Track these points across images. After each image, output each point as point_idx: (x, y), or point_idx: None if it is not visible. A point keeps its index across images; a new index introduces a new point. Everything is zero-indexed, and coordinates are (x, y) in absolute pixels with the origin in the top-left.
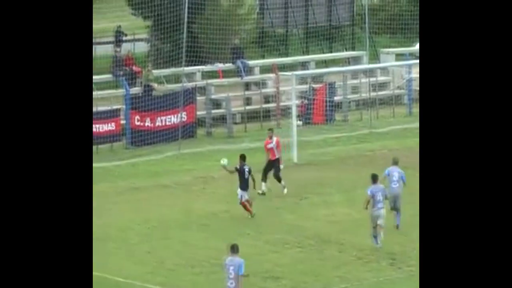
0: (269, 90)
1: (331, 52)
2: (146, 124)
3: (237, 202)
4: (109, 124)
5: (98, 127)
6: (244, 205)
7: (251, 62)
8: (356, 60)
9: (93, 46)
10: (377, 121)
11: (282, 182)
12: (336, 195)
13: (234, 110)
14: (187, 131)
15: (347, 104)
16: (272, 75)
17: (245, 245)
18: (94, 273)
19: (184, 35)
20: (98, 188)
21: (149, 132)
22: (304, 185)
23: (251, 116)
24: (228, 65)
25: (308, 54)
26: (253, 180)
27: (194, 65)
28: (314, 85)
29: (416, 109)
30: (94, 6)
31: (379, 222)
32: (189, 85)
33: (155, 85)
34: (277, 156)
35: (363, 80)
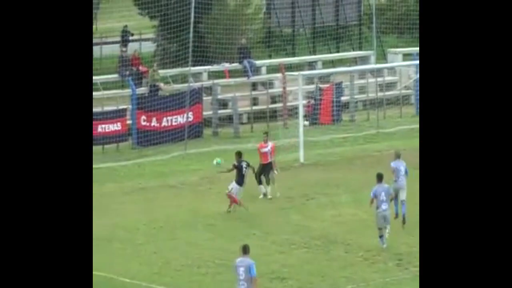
0: (276, 90)
1: (338, 52)
2: (153, 124)
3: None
4: (115, 124)
5: (104, 127)
6: (230, 197)
7: (258, 62)
8: (364, 60)
9: (100, 46)
10: (384, 121)
11: (275, 185)
12: (343, 195)
13: (241, 110)
14: (194, 131)
15: (354, 104)
16: (279, 75)
17: (252, 246)
18: (100, 273)
19: (191, 35)
20: (104, 188)
21: (156, 132)
22: (311, 185)
23: (258, 116)
24: (235, 65)
25: (315, 54)
26: (253, 169)
27: (201, 65)
28: (321, 85)
29: None
30: (101, 6)
31: (385, 224)
32: (196, 85)
33: (162, 85)
34: (269, 160)
35: (371, 80)
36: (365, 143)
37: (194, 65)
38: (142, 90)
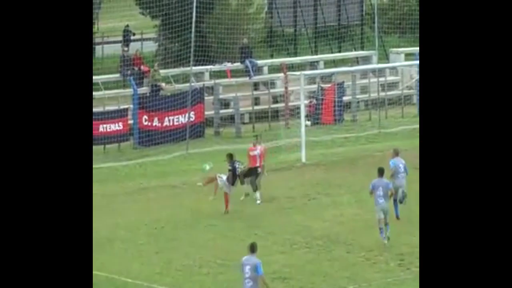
0: (278, 90)
1: (340, 51)
2: (154, 124)
3: (239, 199)
4: (117, 124)
5: (106, 127)
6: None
7: (259, 62)
8: (365, 59)
9: (101, 46)
10: (386, 121)
11: (257, 193)
12: (345, 195)
13: (243, 110)
14: (196, 131)
15: (356, 104)
16: (280, 75)
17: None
18: (101, 273)
19: (193, 35)
20: (106, 188)
21: (157, 132)
22: (313, 185)
23: (260, 116)
24: (237, 65)
25: (317, 54)
26: (241, 169)
27: (203, 64)
28: (323, 85)
29: None
30: (102, 5)
31: (382, 216)
32: (197, 84)
33: (163, 85)
34: (257, 164)
35: (372, 80)
36: (367, 143)
37: (195, 65)
38: (144, 89)
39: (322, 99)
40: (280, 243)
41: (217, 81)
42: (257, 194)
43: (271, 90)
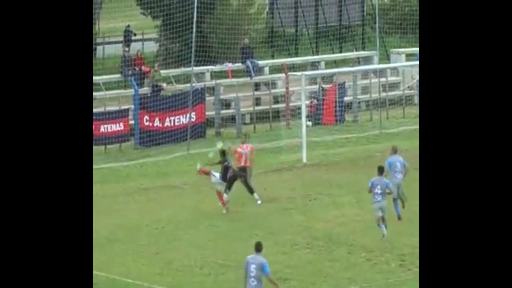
0: (279, 90)
1: (341, 52)
2: (155, 124)
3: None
4: (118, 124)
5: (107, 127)
6: (219, 195)
7: (260, 62)
8: (367, 60)
9: (102, 46)
10: (387, 122)
11: (255, 195)
12: (346, 196)
13: (244, 110)
14: (197, 131)
15: (357, 105)
16: (282, 75)
17: (254, 246)
18: (102, 273)
19: (194, 35)
20: (107, 189)
21: (158, 132)
22: (314, 186)
23: (261, 117)
24: (238, 65)
25: (318, 54)
26: (233, 170)
27: (203, 65)
28: (324, 86)
29: None
30: (103, 5)
31: (380, 214)
32: (198, 85)
33: (164, 85)
34: (248, 164)
35: (374, 80)
36: (368, 144)
37: (196, 65)
38: (145, 90)
39: (323, 100)
40: (281, 243)
41: (218, 81)
42: (255, 195)
43: (272, 91)
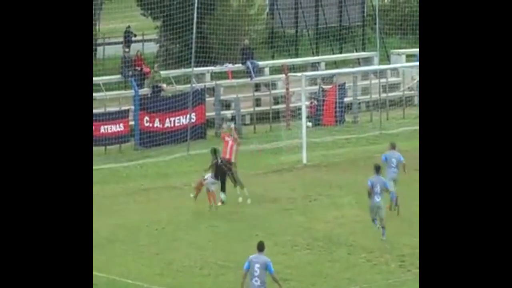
0: (279, 91)
1: (341, 53)
2: (155, 125)
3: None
4: (118, 125)
5: (107, 128)
6: (209, 194)
7: (261, 63)
8: (367, 61)
9: (103, 47)
10: (387, 123)
11: (244, 190)
12: (346, 197)
13: (244, 111)
14: (197, 132)
15: (357, 105)
16: (282, 76)
17: (254, 247)
18: (102, 274)
19: (194, 36)
20: (107, 189)
21: (158, 133)
22: (314, 186)
23: (261, 117)
24: (238, 66)
25: (318, 55)
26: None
27: (204, 65)
28: (324, 86)
29: None
30: (103, 6)
31: (379, 213)
32: (199, 85)
33: (164, 86)
34: (232, 158)
35: (374, 81)
36: (368, 144)
37: (197, 66)
38: (145, 91)
39: (323, 100)
40: (281, 244)
41: (218, 82)
42: (245, 191)
43: (272, 91)
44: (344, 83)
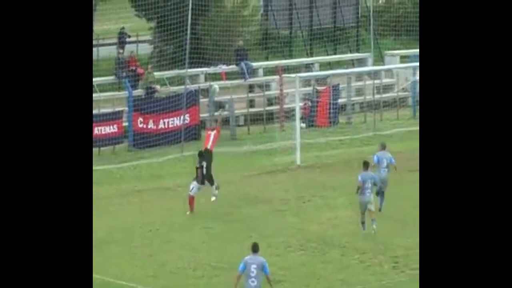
0: (273, 92)
1: (335, 54)
2: (149, 126)
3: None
4: (112, 126)
5: (101, 129)
6: (190, 199)
7: (255, 64)
8: (361, 62)
9: (97, 48)
10: (381, 124)
11: (214, 187)
12: (340, 198)
13: (238, 112)
14: (191, 133)
15: (351, 107)
16: (276, 77)
17: (248, 248)
18: (96, 276)
19: (188, 37)
20: (101, 191)
21: (152, 134)
22: (308, 187)
23: (255, 119)
24: (232, 67)
25: (312, 56)
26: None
27: (198, 67)
28: (318, 87)
29: None
30: (98, 7)
31: (369, 207)
32: (192, 87)
33: (158, 87)
34: (213, 148)
35: (368, 82)
36: (362, 146)
37: (191, 67)
38: (139, 92)
39: (317, 102)
40: (275, 245)
41: (212, 83)
42: (213, 189)
43: (266, 93)
44: (338, 84)
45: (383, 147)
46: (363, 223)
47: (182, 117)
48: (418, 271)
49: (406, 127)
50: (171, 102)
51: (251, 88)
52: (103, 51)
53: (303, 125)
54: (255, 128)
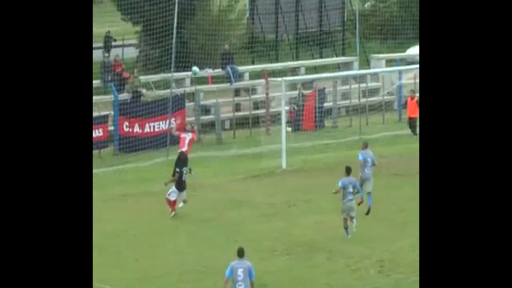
0: (259, 96)
1: (321, 57)
2: (135, 130)
3: (220, 208)
4: (97, 130)
5: None
6: (169, 202)
7: (240, 68)
8: (347, 65)
9: None
10: (367, 128)
11: (184, 193)
12: (326, 202)
13: (224, 116)
14: (176, 138)
15: (337, 110)
16: (262, 81)
17: (233, 252)
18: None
19: (174, 41)
20: None
21: (138, 138)
22: (294, 192)
23: (241, 123)
24: (218, 71)
25: (298, 60)
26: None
27: (184, 70)
28: (304, 91)
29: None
30: None
31: (351, 214)
32: (178, 91)
33: (144, 91)
34: (184, 150)
35: (354, 86)
36: (348, 150)
37: (176, 71)
38: (125, 96)
39: (303, 105)
40: (261, 249)
41: (198, 87)
42: (184, 194)
43: (252, 96)
44: (324, 88)
45: (366, 146)
46: (346, 228)
47: (168, 121)
48: (403, 275)
49: (392, 131)
50: (157, 106)
51: (237, 92)
52: None
53: (289, 129)
54: (241, 132)
